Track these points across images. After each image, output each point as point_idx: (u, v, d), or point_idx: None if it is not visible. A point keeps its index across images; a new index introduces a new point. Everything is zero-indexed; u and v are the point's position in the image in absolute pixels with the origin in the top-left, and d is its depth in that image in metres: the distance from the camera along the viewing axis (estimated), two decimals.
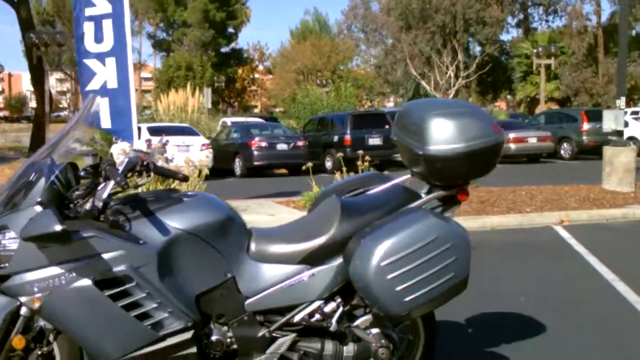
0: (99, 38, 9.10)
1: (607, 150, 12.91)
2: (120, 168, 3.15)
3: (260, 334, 3.27)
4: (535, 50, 39.22)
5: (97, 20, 9.12)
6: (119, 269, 2.98)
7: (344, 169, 10.16)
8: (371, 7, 55.84)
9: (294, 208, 11.14)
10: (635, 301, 5.77)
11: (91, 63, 9.07)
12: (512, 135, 23.73)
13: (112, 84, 9.12)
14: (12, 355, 3.08)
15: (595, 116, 24.27)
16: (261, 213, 10.30)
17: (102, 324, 2.99)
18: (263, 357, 3.26)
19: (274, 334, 3.28)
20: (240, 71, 72.91)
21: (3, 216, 3.02)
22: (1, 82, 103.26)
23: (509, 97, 61.51)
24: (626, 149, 12.86)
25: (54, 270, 2.96)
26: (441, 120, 3.27)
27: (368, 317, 3.34)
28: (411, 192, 3.47)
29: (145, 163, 3.29)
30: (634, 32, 47.53)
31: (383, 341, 3.33)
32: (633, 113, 29.29)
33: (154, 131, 18.36)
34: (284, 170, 22.44)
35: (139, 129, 14.56)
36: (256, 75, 78.56)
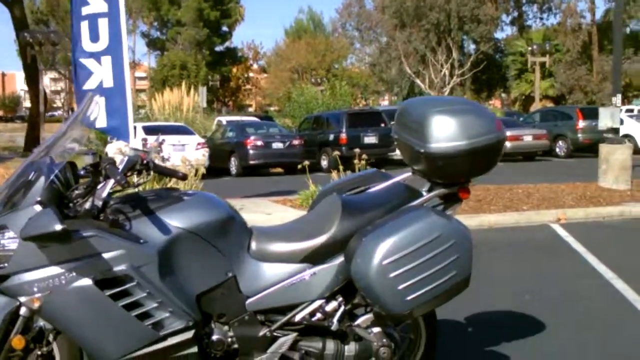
0: (94, 37, 9.06)
1: (603, 148, 12.92)
2: (120, 167, 3.13)
3: (261, 334, 3.25)
4: (529, 48, 39.18)
5: (93, 19, 9.07)
6: (120, 268, 2.96)
7: (341, 167, 10.16)
8: (365, 5, 55.79)
9: (291, 207, 11.12)
10: (634, 299, 5.77)
11: (87, 62, 9.02)
12: (507, 134, 23.52)
13: (108, 83, 9.07)
14: (12, 355, 3.05)
15: (590, 114, 24.33)
16: (257, 212, 10.28)
17: (102, 324, 2.96)
18: (264, 356, 3.24)
19: (275, 334, 3.26)
20: (234, 70, 72.84)
21: (2, 216, 2.99)
22: None
23: (503, 95, 61.59)
24: (622, 146, 12.87)
25: (54, 270, 2.93)
26: (443, 117, 3.25)
27: (369, 316, 3.33)
28: (412, 190, 3.45)
29: (145, 162, 3.27)
30: (628, 30, 47.60)
31: (384, 340, 3.32)
32: (628, 111, 29.34)
33: (149, 130, 18.32)
34: (279, 169, 22.44)
35: (134, 128, 14.52)
36: (251, 74, 78.52)
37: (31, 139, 28.44)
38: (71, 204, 3.10)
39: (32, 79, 28.62)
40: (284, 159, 21.62)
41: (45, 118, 25.60)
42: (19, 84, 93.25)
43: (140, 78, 77.50)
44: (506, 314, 5.49)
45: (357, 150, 10.18)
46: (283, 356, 3.27)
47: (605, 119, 13.49)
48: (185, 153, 15.32)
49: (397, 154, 21.56)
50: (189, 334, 3.07)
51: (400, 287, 3.07)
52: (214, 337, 3.21)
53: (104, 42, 9.07)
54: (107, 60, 9.07)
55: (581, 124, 25.32)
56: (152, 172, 3.33)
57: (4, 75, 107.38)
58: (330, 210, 3.34)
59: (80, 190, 3.14)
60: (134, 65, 63.95)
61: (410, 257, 3.07)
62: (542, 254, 7.90)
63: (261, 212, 10.33)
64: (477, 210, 10.43)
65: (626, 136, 21.56)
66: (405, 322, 3.52)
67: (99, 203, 3.07)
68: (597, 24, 50.27)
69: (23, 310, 3.01)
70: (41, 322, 3.08)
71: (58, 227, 2.73)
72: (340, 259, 3.25)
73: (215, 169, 20.19)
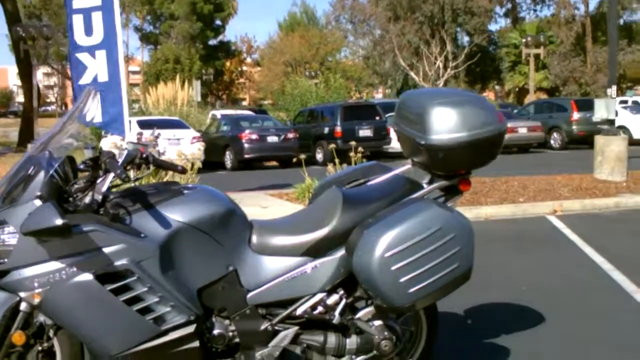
0: (88, 31, 9.03)
1: (599, 140, 12.92)
2: (120, 160, 3.11)
3: (262, 327, 3.24)
4: (523, 40, 39.14)
5: (86, 12, 9.04)
6: (120, 262, 2.94)
7: (337, 160, 10.15)
8: None
9: (287, 200, 11.11)
10: (633, 290, 5.78)
11: (82, 56, 9.00)
12: None
13: (103, 77, 9.05)
14: (12, 351, 3.04)
15: (584, 105, 24.38)
16: (253, 205, 10.26)
17: (103, 318, 2.95)
18: (265, 350, 3.23)
19: (276, 327, 3.25)
20: (228, 64, 72.62)
21: (2, 211, 2.97)
22: None
23: (497, 87, 61.65)
24: (617, 138, 12.89)
25: (54, 265, 2.92)
26: (443, 109, 3.24)
27: (371, 309, 3.32)
28: (413, 182, 3.44)
29: (144, 155, 3.26)
30: (621, 21, 47.65)
31: (386, 333, 3.31)
32: (622, 102, 29.37)
33: (144, 125, 18.24)
34: (274, 163, 22.41)
35: (129, 122, 14.46)
36: (244, 68, 78.30)
37: (25, 134, 28.35)
38: (71, 199, 3.08)
39: (25, 74, 28.50)
40: (279, 153, 21.60)
41: (38, 113, 25.48)
42: (11, 79, 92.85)
43: (134, 72, 77.29)
44: (503, 306, 5.49)
45: (352, 142, 10.17)
46: (284, 350, 3.27)
47: (601, 111, 13.51)
48: (181, 147, 15.26)
49: (392, 146, 21.59)
50: (190, 329, 3.06)
51: (402, 279, 3.05)
52: (215, 331, 3.20)
53: (98, 36, 9.05)
54: (101, 54, 9.05)
55: (576, 115, 25.35)
56: (151, 166, 3.31)
57: None
58: (331, 203, 3.32)
59: (80, 184, 3.12)
60: (128, 59, 63.80)
61: (411, 250, 3.05)
62: (539, 245, 7.91)
63: (257, 205, 10.31)
64: (474, 202, 10.43)
65: (620, 127, 21.59)
66: (407, 315, 3.51)
67: (99, 197, 3.06)
68: (590, 16, 50.34)
69: (23, 306, 2.99)
70: (42, 318, 3.06)
71: (59, 221, 2.71)
72: (341, 252, 3.23)
73: (210, 163, 20.11)
